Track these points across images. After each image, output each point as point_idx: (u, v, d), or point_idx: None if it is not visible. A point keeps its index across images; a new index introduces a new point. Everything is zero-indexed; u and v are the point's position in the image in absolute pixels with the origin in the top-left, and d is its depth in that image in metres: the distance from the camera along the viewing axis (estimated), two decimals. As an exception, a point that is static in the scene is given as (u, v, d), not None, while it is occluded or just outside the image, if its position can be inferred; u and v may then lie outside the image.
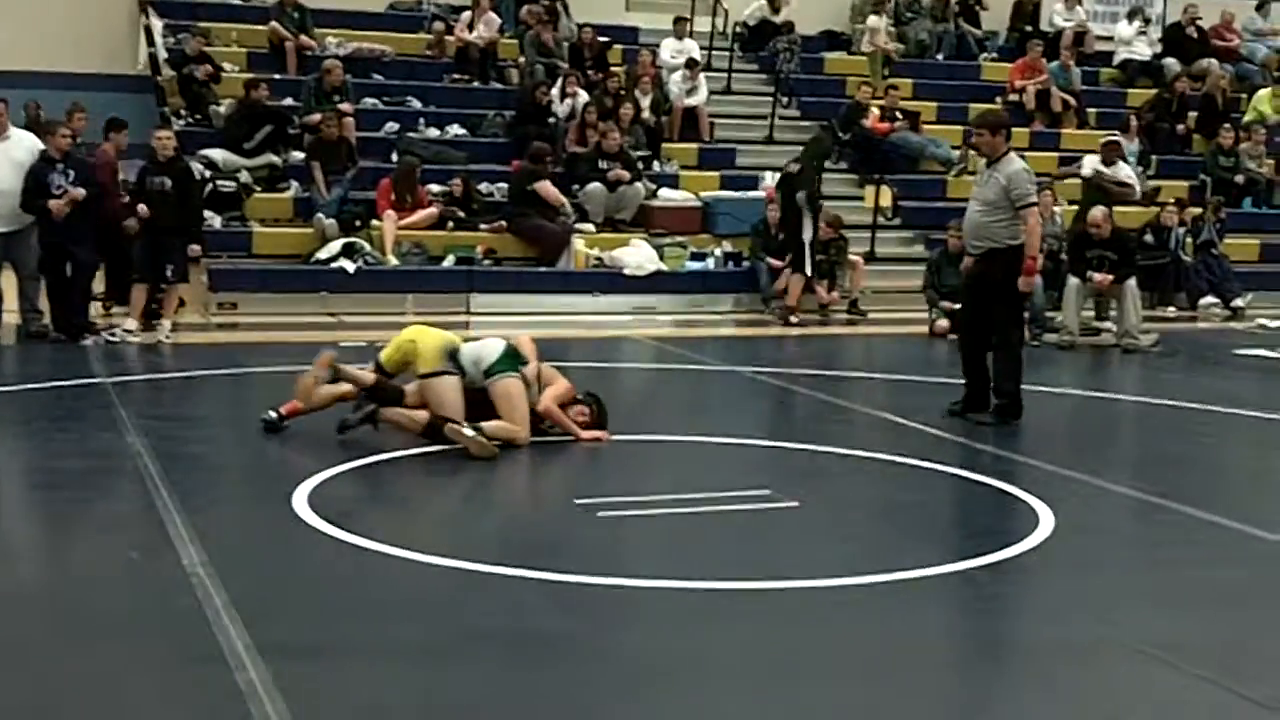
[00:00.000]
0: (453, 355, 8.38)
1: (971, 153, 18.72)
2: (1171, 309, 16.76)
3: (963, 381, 9.85)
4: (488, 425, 8.15)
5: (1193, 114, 20.71)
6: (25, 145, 12.08)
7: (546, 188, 15.58)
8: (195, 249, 12.60)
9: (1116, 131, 18.64)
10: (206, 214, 14.81)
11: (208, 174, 15.09)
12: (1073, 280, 14.18)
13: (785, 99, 19.61)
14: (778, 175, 15.99)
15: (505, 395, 8.31)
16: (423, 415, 8.26)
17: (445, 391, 8.29)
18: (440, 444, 8.11)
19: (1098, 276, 14.11)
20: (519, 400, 8.34)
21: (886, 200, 17.67)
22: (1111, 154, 17.32)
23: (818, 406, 10.46)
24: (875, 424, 9.81)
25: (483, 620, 5.44)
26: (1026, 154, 18.91)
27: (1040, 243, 10.00)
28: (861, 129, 18.53)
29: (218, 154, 15.46)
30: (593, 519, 6.91)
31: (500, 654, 5.09)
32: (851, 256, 15.89)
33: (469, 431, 8.03)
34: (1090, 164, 17.20)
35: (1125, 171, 17.43)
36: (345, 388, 8.50)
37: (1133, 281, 14.06)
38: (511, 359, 8.43)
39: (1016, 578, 6.16)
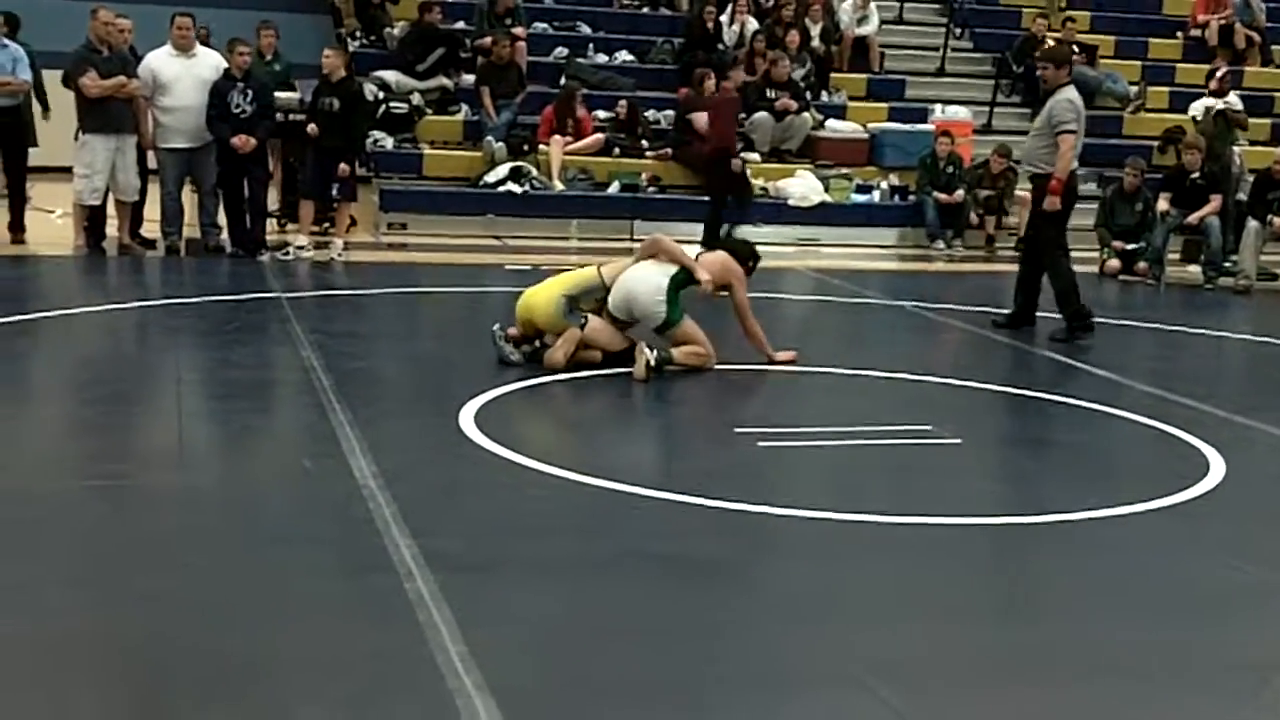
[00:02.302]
0: (572, 299, 8.37)
1: (1150, 89, 18.30)
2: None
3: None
4: (676, 352, 8.25)
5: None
6: (210, 64, 12.38)
7: (699, 119, 15.47)
8: (343, 169, 12.60)
9: (1221, 63, 18.09)
10: (379, 135, 15.10)
11: (380, 95, 15.33)
12: (1252, 223, 13.76)
13: (958, 30, 19.24)
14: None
15: (683, 337, 8.41)
16: (595, 355, 8.42)
17: (600, 334, 8.39)
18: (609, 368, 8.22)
19: (1279, 221, 13.68)
20: (694, 332, 8.42)
21: (1060, 136, 17.25)
22: (1224, 86, 16.82)
23: (981, 343, 10.34)
24: (1040, 363, 9.68)
25: (640, 542, 5.51)
26: (1204, 91, 18.61)
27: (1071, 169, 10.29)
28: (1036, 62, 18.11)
29: (391, 76, 15.68)
30: (753, 448, 6.94)
31: (656, 575, 5.17)
32: (1020, 193, 15.59)
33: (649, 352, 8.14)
34: (1202, 105, 16.63)
35: (1237, 104, 17.06)
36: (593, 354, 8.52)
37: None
38: (674, 301, 8.42)
39: (1185, 523, 6.05)
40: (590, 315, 8.40)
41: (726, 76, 15.13)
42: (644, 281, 8.45)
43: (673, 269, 8.49)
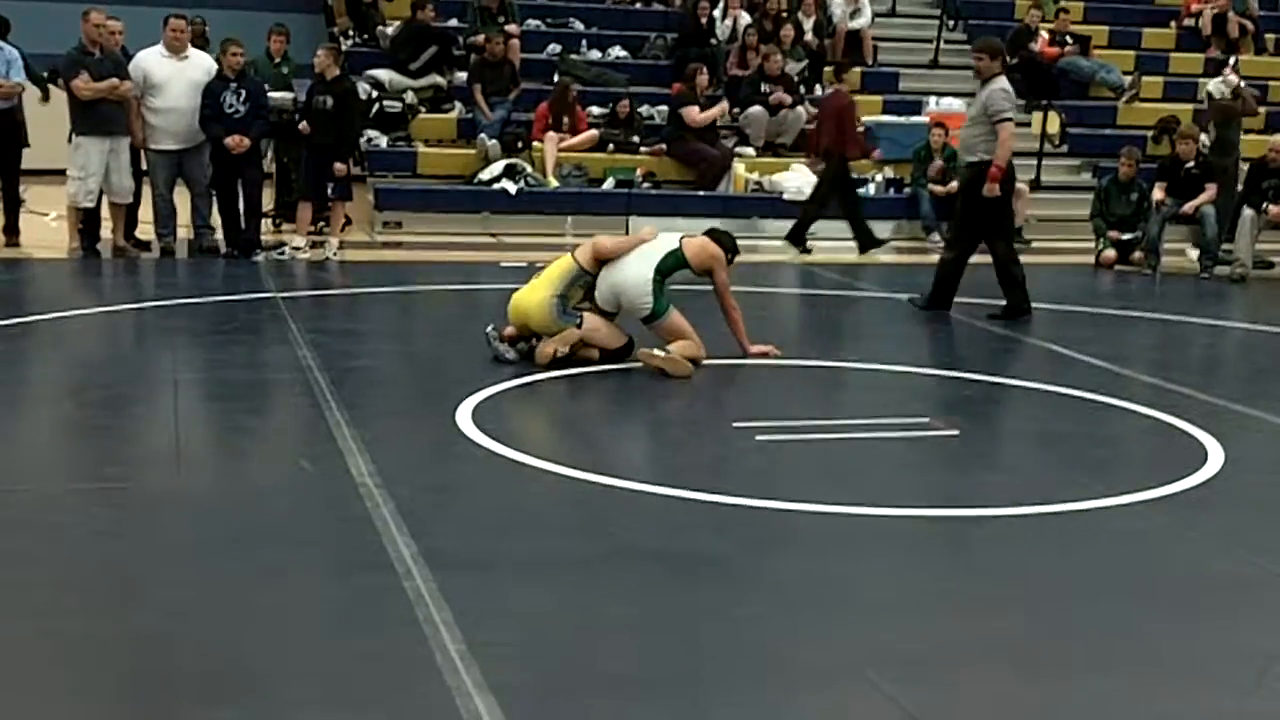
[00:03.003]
0: (563, 298, 8.36)
1: (1144, 79, 18.29)
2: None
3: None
4: (671, 348, 8.26)
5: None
6: (203, 66, 12.38)
7: (691, 114, 15.45)
8: (339, 168, 12.61)
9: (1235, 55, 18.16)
10: (373, 134, 15.09)
11: (374, 94, 15.32)
12: (1247, 211, 13.77)
13: (951, 22, 19.23)
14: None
15: (671, 331, 8.39)
16: (593, 354, 8.42)
17: (597, 332, 8.39)
18: (606, 365, 8.21)
19: (1274, 208, 13.68)
20: (682, 325, 8.40)
21: (1054, 127, 17.30)
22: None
23: (978, 335, 10.33)
24: (1038, 354, 9.68)
25: (639, 538, 5.51)
26: (1201, 80, 18.63)
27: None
28: (1029, 53, 18.10)
29: (384, 74, 15.67)
30: (750, 442, 6.93)
31: (655, 571, 5.16)
32: (1016, 185, 15.57)
33: (660, 353, 8.16)
34: (1219, 83, 16.59)
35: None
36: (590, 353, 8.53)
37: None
38: (660, 293, 8.41)
39: (1183, 512, 6.04)
40: (586, 315, 8.39)
41: (841, 79, 15.10)
42: (631, 273, 8.42)
43: (658, 258, 8.46)
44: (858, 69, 15.95)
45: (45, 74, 13.50)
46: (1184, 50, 19.70)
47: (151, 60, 12.25)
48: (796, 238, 14.36)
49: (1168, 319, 11.36)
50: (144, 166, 12.59)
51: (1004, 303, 10.68)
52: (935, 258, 14.54)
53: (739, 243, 9.09)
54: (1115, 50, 19.19)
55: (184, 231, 12.67)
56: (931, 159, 15.43)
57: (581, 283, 8.45)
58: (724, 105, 16.02)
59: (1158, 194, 14.16)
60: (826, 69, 17.69)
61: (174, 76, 12.17)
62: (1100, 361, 9.19)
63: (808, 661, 4.41)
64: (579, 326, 8.31)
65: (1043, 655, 4.52)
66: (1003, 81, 10.47)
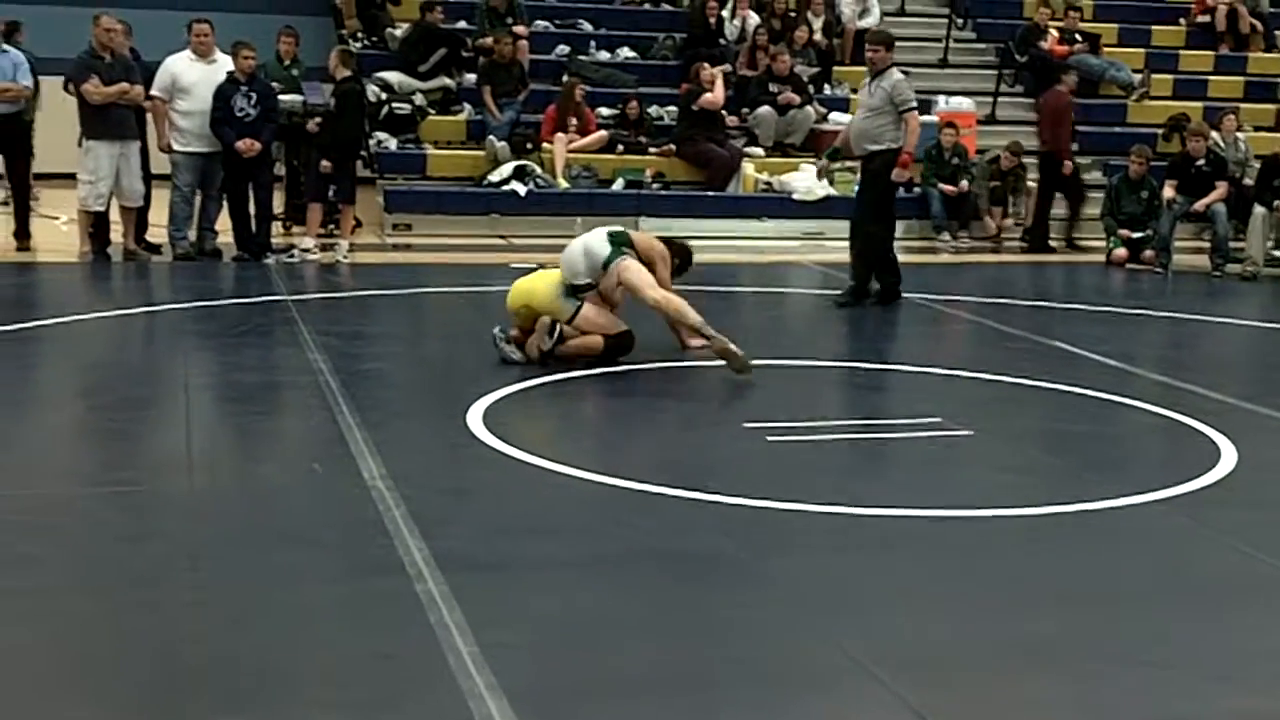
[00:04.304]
0: (570, 286, 8.45)
1: (1154, 76, 18.24)
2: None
3: None
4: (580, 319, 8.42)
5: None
6: (229, 69, 12.37)
7: (707, 100, 15.51)
8: (325, 165, 12.53)
9: None
10: (382, 136, 15.10)
11: (383, 96, 15.33)
12: (1258, 209, 13.74)
13: (960, 21, 19.20)
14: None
15: (626, 271, 8.50)
16: (596, 340, 8.37)
17: (595, 320, 8.42)
18: (615, 365, 8.21)
19: (1287, 205, 13.65)
20: (639, 274, 8.54)
21: (1064, 125, 17.22)
22: None
23: (990, 334, 10.32)
24: (1050, 353, 9.65)
25: (651, 539, 5.50)
26: (1211, 78, 18.60)
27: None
28: (1039, 51, 18.08)
29: (393, 76, 15.68)
30: (762, 443, 6.92)
31: (667, 573, 5.15)
32: (1027, 183, 15.58)
33: (711, 335, 8.29)
34: None
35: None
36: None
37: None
38: (618, 245, 8.57)
39: (1198, 511, 6.02)
40: (586, 302, 8.41)
41: (1059, 80, 15.28)
42: (590, 235, 8.67)
43: (607, 229, 8.72)
44: (1074, 74, 15.91)
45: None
46: (1194, 48, 19.65)
47: (180, 64, 12.32)
48: (1038, 240, 14.93)
49: (1179, 317, 11.33)
50: (155, 170, 12.61)
51: (856, 287, 11.07)
52: (946, 257, 14.61)
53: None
54: (1125, 48, 19.14)
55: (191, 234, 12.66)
56: (942, 157, 15.40)
57: (572, 297, 8.49)
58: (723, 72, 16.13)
59: (1168, 192, 14.13)
60: (836, 69, 17.71)
61: (201, 80, 12.22)
62: (1112, 360, 9.17)
63: (818, 662, 4.40)
64: (578, 312, 8.34)
65: (1055, 655, 4.50)
66: (898, 71, 10.97)
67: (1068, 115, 15.13)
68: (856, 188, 12.03)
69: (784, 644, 4.52)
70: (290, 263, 12.35)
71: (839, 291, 11.20)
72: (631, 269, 8.49)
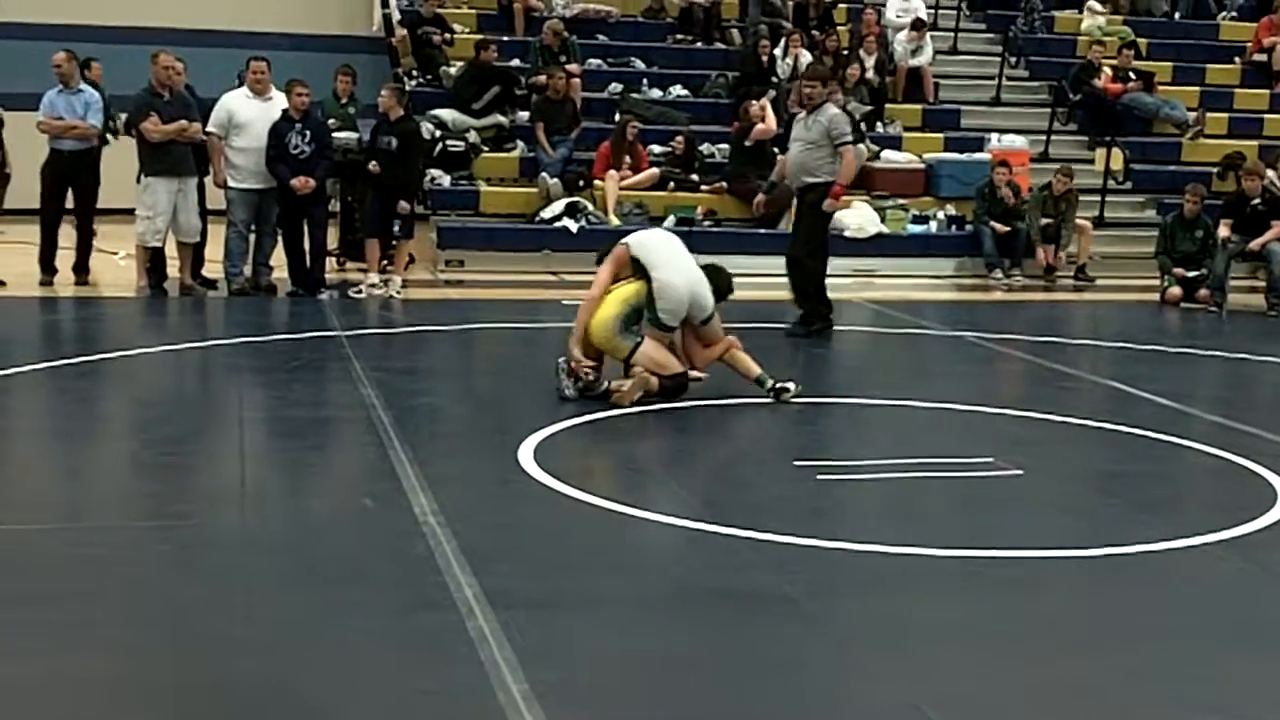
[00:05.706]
0: (628, 318, 8.46)
1: (1209, 115, 18.13)
2: None
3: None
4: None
5: None
6: (283, 107, 12.51)
7: (760, 129, 15.57)
8: (404, 207, 12.74)
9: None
10: (436, 173, 15.21)
11: (437, 134, 15.45)
12: (1315, 248, 13.61)
13: (1013, 59, 19.17)
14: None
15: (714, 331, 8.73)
16: (653, 382, 8.38)
17: (654, 356, 8.43)
18: (668, 402, 8.22)
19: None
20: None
21: (1118, 164, 17.18)
22: None
23: (1041, 373, 10.26)
24: (1101, 392, 9.59)
25: (701, 577, 5.50)
26: (1266, 116, 18.47)
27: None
28: (1092, 89, 18.03)
29: (447, 114, 15.81)
30: (812, 481, 6.91)
31: (717, 611, 5.14)
32: (1080, 221, 15.52)
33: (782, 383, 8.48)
34: None
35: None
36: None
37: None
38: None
39: (1255, 554, 5.96)
40: (646, 338, 8.41)
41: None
42: (696, 276, 8.73)
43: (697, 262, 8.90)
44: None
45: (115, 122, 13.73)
46: (1248, 86, 19.53)
47: (236, 101, 12.46)
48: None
49: (1234, 357, 11.23)
50: (211, 206, 12.76)
51: (805, 315, 11.20)
52: (998, 295, 14.55)
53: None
54: (1179, 86, 19.06)
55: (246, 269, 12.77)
56: (995, 195, 15.35)
57: (629, 332, 8.48)
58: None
59: (1223, 231, 14.02)
60: (889, 106, 17.71)
61: (257, 117, 12.35)
62: (1166, 400, 9.10)
63: (868, 701, 4.39)
64: (638, 347, 8.35)
65: (1107, 697, 4.46)
66: (834, 106, 11.27)
67: None
68: (793, 220, 12.28)
69: (834, 684, 4.51)
70: (357, 298, 12.43)
71: (822, 325, 11.28)
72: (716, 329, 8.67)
